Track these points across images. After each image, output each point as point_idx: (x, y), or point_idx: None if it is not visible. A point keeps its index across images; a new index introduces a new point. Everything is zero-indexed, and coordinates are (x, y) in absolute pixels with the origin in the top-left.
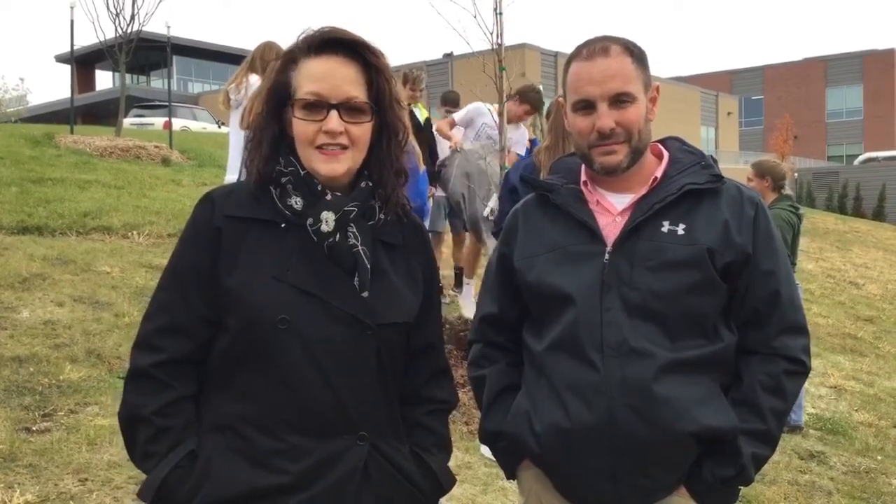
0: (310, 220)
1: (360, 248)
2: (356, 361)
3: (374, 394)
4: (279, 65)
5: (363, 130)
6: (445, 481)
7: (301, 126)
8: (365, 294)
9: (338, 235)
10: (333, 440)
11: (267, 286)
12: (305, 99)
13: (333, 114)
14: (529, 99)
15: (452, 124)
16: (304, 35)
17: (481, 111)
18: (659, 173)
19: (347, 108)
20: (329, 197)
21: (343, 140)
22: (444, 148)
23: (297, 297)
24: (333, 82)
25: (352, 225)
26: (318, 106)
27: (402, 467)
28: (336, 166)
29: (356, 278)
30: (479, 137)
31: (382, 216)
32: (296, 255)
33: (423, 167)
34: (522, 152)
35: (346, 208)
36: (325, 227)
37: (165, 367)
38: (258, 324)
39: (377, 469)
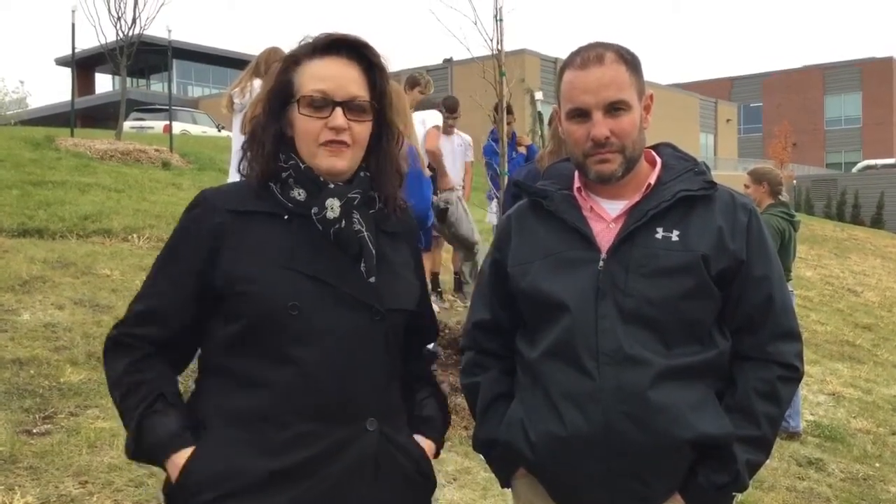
0: (314, 209)
1: (365, 233)
2: (366, 346)
3: (382, 379)
4: (280, 67)
5: (365, 129)
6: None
7: (306, 123)
8: (372, 279)
9: (343, 222)
10: (344, 426)
11: (275, 274)
12: (311, 96)
13: (338, 111)
14: (448, 104)
15: (439, 133)
16: (304, 40)
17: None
18: (652, 180)
19: (351, 107)
20: (332, 186)
21: (346, 137)
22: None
23: (307, 284)
24: (339, 82)
25: (355, 212)
26: (323, 103)
27: (408, 451)
28: (338, 162)
29: (362, 264)
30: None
31: (381, 205)
32: (301, 244)
33: (427, 172)
34: (468, 159)
35: (349, 195)
36: (330, 214)
37: (133, 335)
38: (269, 312)
39: (384, 455)
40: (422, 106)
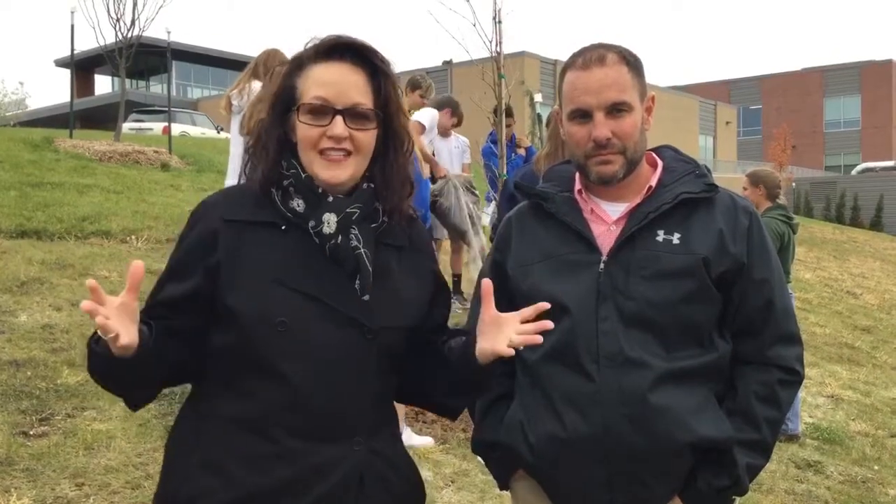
0: (312, 223)
1: (362, 250)
2: (355, 365)
3: (373, 397)
4: (286, 70)
5: (368, 137)
6: None
7: (305, 130)
8: (366, 297)
9: (340, 237)
10: (330, 445)
11: (266, 289)
12: (311, 104)
13: (338, 119)
14: (459, 113)
15: (422, 130)
16: (311, 42)
17: (437, 119)
18: (653, 182)
19: (353, 115)
20: (331, 199)
21: (347, 145)
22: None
23: (297, 300)
24: (340, 88)
25: (354, 227)
26: (323, 111)
27: (397, 465)
28: (338, 173)
29: (357, 281)
30: (430, 146)
31: (385, 219)
32: (296, 258)
33: (426, 175)
34: (465, 161)
35: (347, 210)
36: (326, 229)
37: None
38: (257, 326)
39: (371, 470)
40: (434, 105)
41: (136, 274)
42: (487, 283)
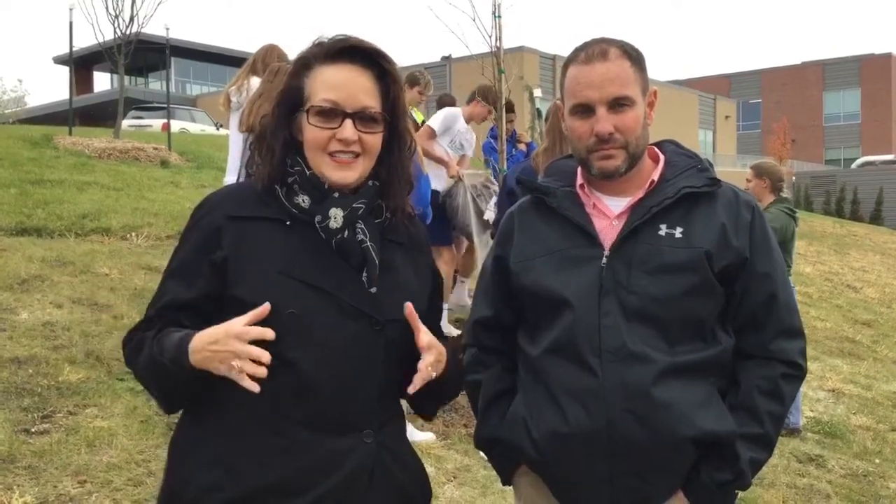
0: (318, 217)
1: (368, 243)
2: (364, 357)
3: (380, 389)
4: (292, 70)
5: (376, 140)
6: None
7: (314, 132)
8: (373, 290)
9: (346, 231)
10: (339, 437)
11: (274, 281)
12: (321, 106)
13: (348, 122)
14: (490, 96)
15: (433, 135)
16: (317, 42)
17: (456, 116)
18: (655, 176)
19: (362, 118)
20: (336, 194)
21: (356, 148)
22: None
23: (306, 292)
24: (350, 91)
25: (360, 221)
26: (333, 114)
27: (404, 461)
28: (348, 174)
29: (364, 274)
30: (454, 144)
31: (389, 215)
32: (303, 252)
33: (425, 171)
34: (470, 154)
35: (353, 205)
36: (333, 224)
37: (152, 322)
38: (267, 318)
39: (380, 466)
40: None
41: (261, 314)
42: (410, 308)
